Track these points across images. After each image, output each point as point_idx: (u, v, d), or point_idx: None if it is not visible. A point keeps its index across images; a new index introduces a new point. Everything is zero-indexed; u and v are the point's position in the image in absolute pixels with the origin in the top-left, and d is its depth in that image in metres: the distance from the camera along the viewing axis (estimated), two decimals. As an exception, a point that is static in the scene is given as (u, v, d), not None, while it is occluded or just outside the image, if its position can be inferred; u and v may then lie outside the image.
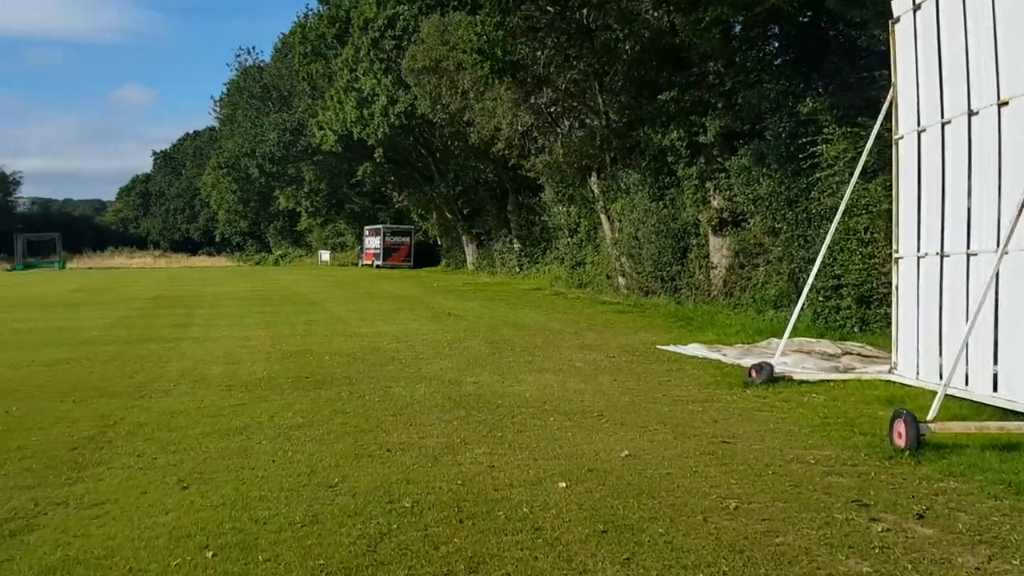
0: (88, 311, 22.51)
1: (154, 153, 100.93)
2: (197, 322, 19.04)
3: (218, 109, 60.92)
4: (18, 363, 12.55)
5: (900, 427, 6.83)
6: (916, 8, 9.53)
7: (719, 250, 20.72)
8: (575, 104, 27.08)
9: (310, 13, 45.87)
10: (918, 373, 9.58)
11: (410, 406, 9.01)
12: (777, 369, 10.51)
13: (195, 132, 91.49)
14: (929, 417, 7.05)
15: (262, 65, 53.59)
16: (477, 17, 23.52)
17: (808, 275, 16.46)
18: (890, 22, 10.15)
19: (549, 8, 23.36)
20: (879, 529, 5.07)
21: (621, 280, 24.60)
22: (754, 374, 10.32)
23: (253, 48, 65.12)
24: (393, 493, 5.81)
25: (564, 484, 6.02)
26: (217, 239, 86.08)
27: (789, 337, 11.53)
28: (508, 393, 9.73)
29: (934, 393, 7.62)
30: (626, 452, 6.98)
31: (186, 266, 65.77)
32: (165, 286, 35.53)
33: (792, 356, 12.06)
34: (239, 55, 57.62)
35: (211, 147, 66.78)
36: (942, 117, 9.08)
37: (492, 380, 10.63)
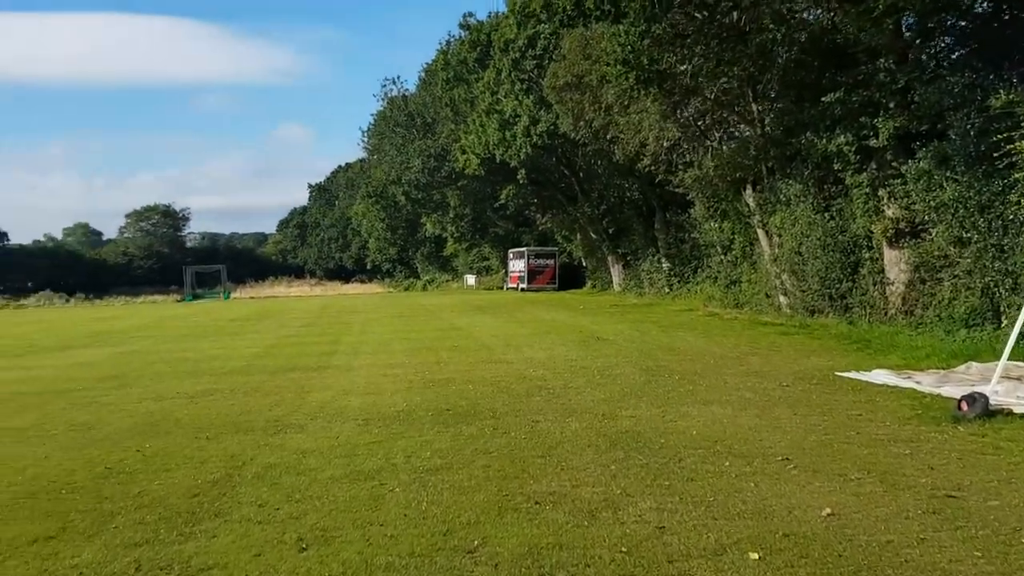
0: (241, 340, 22.81)
1: (310, 186, 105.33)
2: (343, 349, 18.77)
3: (366, 140, 62.64)
4: (163, 394, 12.40)
5: None
6: None
7: (896, 264, 18.70)
8: (726, 114, 25.54)
9: (452, 40, 46.28)
10: None
11: (560, 445, 7.98)
12: (993, 400, 8.84)
13: (347, 164, 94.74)
14: None
15: (407, 94, 54.58)
16: (621, 27, 22.50)
17: (1003, 288, 14.34)
18: None
19: (697, 14, 22.04)
20: None
21: (783, 299, 22.78)
22: (965, 407, 8.70)
23: (398, 78, 66.88)
24: (543, 562, 4.79)
25: (757, 555, 4.83)
26: (368, 266, 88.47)
27: (1003, 360, 9.75)
28: (671, 430, 8.54)
29: None
30: (828, 510, 5.69)
31: (339, 293, 67.61)
32: (317, 313, 36.16)
33: (1003, 384, 10.25)
34: (385, 85, 59.22)
35: (361, 177, 68.69)
36: None
37: (651, 414, 9.45)
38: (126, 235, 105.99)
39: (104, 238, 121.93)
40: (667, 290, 34.48)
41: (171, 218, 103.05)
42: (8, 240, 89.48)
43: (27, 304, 69.49)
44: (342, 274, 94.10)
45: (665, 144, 26.91)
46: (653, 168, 29.00)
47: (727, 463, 7.12)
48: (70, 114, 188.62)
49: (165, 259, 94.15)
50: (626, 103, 25.68)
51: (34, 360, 19.08)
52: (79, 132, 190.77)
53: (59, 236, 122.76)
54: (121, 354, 19.87)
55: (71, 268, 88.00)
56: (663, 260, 36.01)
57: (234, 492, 6.61)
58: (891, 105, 18.30)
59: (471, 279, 63.54)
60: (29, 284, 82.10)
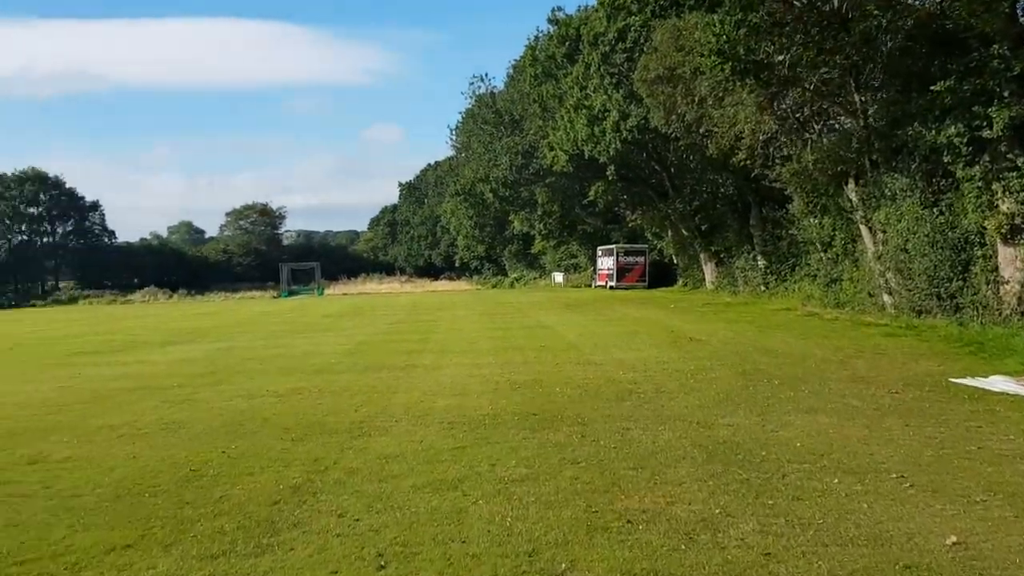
0: (332, 336, 23.01)
1: (400, 185, 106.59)
2: (430, 348, 18.67)
3: (454, 138, 62.88)
4: (254, 392, 12.45)
5: None
6: None
7: (1012, 262, 17.52)
8: (826, 105, 24.44)
9: (540, 35, 45.93)
10: None
11: (653, 456, 7.56)
12: None
13: (436, 163, 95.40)
14: None
15: (494, 91, 54.47)
16: (715, 16, 21.77)
17: None
18: None
19: (796, 1, 21.12)
20: None
21: (887, 298, 21.67)
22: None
23: (486, 75, 66.60)
24: (637, 591, 4.40)
25: (876, 592, 4.33)
26: (457, 264, 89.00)
27: None
28: (772, 441, 8.01)
29: None
30: (952, 538, 5.13)
31: (428, 290, 68.16)
32: (406, 310, 36.40)
33: None
34: (472, 83, 59.12)
35: (449, 175, 68.99)
36: None
37: (750, 423, 8.92)
38: (226, 233, 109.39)
39: (206, 236, 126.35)
40: (763, 288, 33.38)
41: (268, 216, 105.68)
42: (116, 238, 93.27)
43: (133, 300, 72.45)
44: (431, 271, 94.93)
45: (761, 137, 25.94)
46: (748, 162, 28.02)
47: (836, 480, 6.58)
48: (174, 116, 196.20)
49: (263, 256, 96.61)
50: (720, 95, 24.86)
51: (134, 355, 19.61)
52: (182, 134, 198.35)
53: (164, 234, 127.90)
54: (218, 350, 20.26)
55: (175, 265, 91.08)
56: (759, 257, 34.88)
57: (315, 499, 6.43)
58: (1006, 94, 17.17)
59: (559, 277, 63.15)
60: (135, 280, 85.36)
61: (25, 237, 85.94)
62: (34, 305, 71.53)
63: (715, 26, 21.47)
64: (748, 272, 35.40)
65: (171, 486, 6.98)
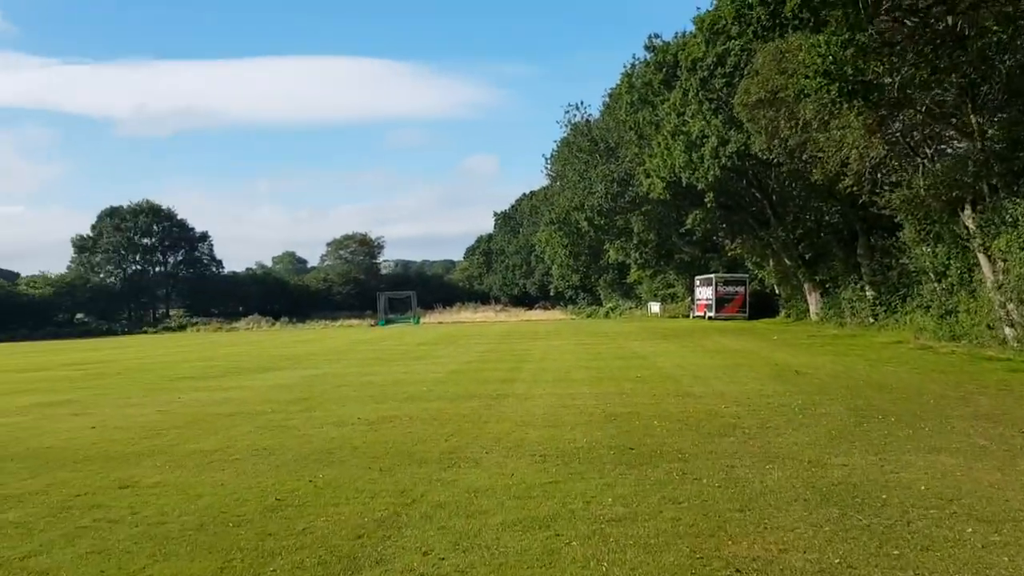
0: (426, 364, 22.95)
1: (495, 214, 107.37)
2: (523, 377, 18.34)
3: (549, 166, 62.81)
4: (345, 420, 12.35)
5: None
6: None
7: None
8: (939, 127, 23.25)
9: (637, 62, 45.56)
10: None
11: (761, 497, 6.99)
12: None
13: (530, 192, 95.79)
14: None
15: (590, 119, 54.25)
16: (821, 37, 20.99)
17: None
18: None
19: (908, 20, 20.18)
20: None
21: (1008, 331, 20.27)
22: None
23: (581, 103, 66.32)
24: (749, 654, 3.91)
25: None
26: (551, 293, 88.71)
27: None
28: (893, 483, 7.33)
29: None
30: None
31: (523, 319, 68.05)
32: (500, 339, 36.24)
33: None
34: (568, 111, 58.98)
35: (544, 204, 68.99)
36: None
37: (867, 463, 8.23)
38: (326, 263, 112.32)
39: (308, 265, 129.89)
40: (871, 320, 31.87)
41: (367, 246, 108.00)
42: (223, 268, 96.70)
43: (238, 327, 74.83)
44: (525, 300, 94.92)
45: (870, 162, 24.85)
46: (855, 188, 26.89)
47: (968, 529, 5.91)
48: (279, 151, 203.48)
49: (361, 285, 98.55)
50: (826, 118, 23.92)
51: (233, 381, 19.93)
52: (287, 167, 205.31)
53: (269, 264, 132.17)
54: (313, 377, 20.42)
55: (277, 294, 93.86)
56: (867, 288, 33.37)
57: (399, 534, 6.13)
58: None
59: (655, 307, 62.09)
60: (240, 308, 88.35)
61: (139, 267, 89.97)
62: (145, 332, 74.61)
63: (820, 47, 20.70)
64: (855, 303, 33.88)
65: (255, 515, 6.80)
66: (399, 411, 13.09)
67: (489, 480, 7.89)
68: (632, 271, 61.56)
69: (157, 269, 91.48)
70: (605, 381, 16.68)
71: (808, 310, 40.27)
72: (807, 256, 39.99)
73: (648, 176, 39.82)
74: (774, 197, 38.84)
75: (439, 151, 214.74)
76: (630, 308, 67.99)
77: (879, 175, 25.64)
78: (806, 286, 40.28)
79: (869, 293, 32.98)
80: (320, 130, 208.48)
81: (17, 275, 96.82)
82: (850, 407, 12.14)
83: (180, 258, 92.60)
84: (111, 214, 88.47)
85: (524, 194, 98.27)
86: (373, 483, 7.91)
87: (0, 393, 18.80)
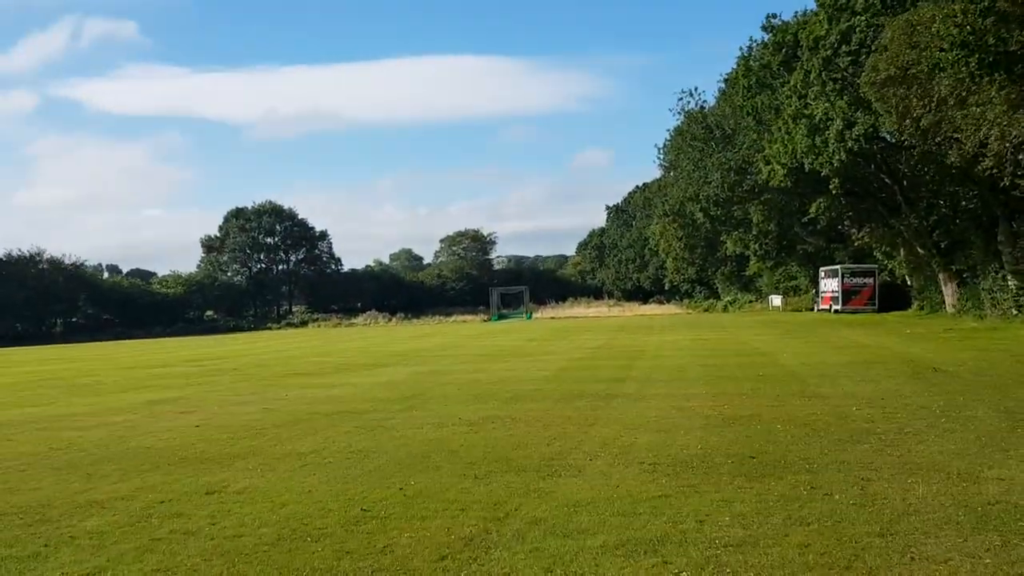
0: (533, 361, 22.39)
1: (608, 207, 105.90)
2: (634, 375, 17.51)
3: (662, 156, 61.16)
4: (445, 420, 11.87)
5: None
6: None
7: None
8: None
9: (754, 45, 43.57)
10: None
11: (904, 518, 6.04)
12: None
13: (643, 184, 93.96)
14: None
15: (704, 106, 52.39)
16: (956, 6, 19.27)
17: None
18: None
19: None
20: None
21: None
22: None
23: (695, 89, 63.81)
24: None
25: None
26: (666, 287, 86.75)
27: None
28: (1067, 505, 6.22)
29: None
30: None
31: (637, 314, 66.69)
32: (612, 335, 35.35)
33: None
34: (681, 98, 56.92)
35: (657, 196, 67.26)
36: None
37: (1031, 479, 7.10)
38: (440, 259, 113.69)
39: (424, 262, 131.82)
40: (1014, 312, 29.40)
41: (479, 242, 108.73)
42: (342, 265, 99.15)
43: (356, 323, 76.49)
44: (639, 295, 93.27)
45: (1012, 141, 22.73)
46: (996, 171, 24.72)
47: None
48: (397, 150, 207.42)
49: (474, 281, 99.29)
50: (963, 94, 22.03)
51: (342, 378, 19.87)
52: (404, 166, 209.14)
53: (386, 261, 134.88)
54: (420, 374, 20.17)
55: (394, 290, 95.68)
56: (1009, 277, 30.81)
57: (486, 556, 5.51)
58: None
59: (776, 300, 59.69)
60: (359, 304, 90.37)
61: (263, 265, 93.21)
62: (269, 328, 77.14)
63: (956, 16, 19.01)
64: (997, 294, 31.35)
65: (337, 529, 6.32)
66: (502, 411, 12.53)
67: (591, 491, 7.19)
68: (751, 263, 59.33)
69: (280, 267, 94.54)
70: (723, 380, 15.68)
71: (943, 302, 37.64)
72: (942, 244, 37.37)
73: (768, 163, 38.01)
74: (905, 182, 36.42)
75: (551, 146, 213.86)
76: (749, 302, 65.68)
77: (1022, 156, 23.45)
78: (941, 276, 37.66)
79: (1012, 283, 30.44)
80: (437, 129, 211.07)
81: (153, 275, 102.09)
82: (1000, 409, 10.83)
83: (301, 256, 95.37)
84: (236, 215, 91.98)
85: (637, 186, 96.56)
86: (466, 493, 7.33)
87: (119, 390, 19.29)
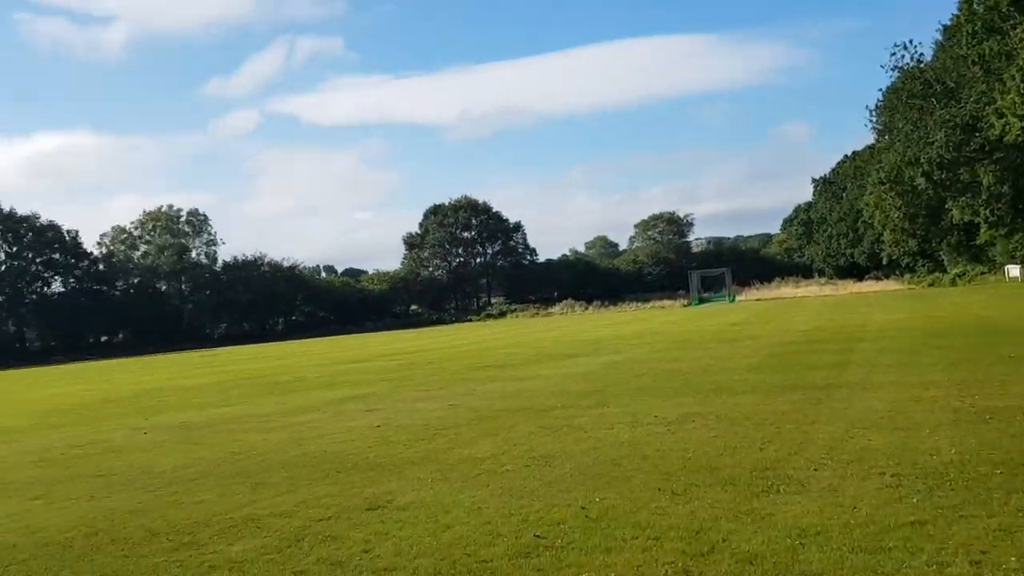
0: (738, 348, 20.57)
1: (813, 180, 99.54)
2: (856, 360, 15.46)
3: (874, 119, 56.07)
4: (639, 418, 10.61)
5: None
6: None
7: None
8: None
9: (979, -15, 38.73)
10: None
11: None
12: None
13: (853, 153, 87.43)
14: None
15: (921, 60, 47.37)
16: None
17: None
18: None
19: None
20: None
21: None
22: None
23: (910, 42, 57.23)
24: None
25: None
26: (884, 261, 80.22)
27: None
28: None
29: None
30: None
31: (852, 292, 61.89)
32: (825, 316, 32.50)
33: None
34: (894, 53, 51.54)
35: (870, 164, 61.99)
36: None
37: None
38: (636, 244, 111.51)
39: (619, 248, 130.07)
40: None
41: (675, 225, 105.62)
42: (537, 256, 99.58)
43: (552, 312, 76.38)
44: (854, 271, 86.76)
45: None
46: None
47: None
48: (588, 139, 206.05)
49: (671, 265, 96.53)
50: None
51: (531, 370, 19.05)
52: (596, 154, 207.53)
53: (581, 249, 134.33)
54: (613, 364, 19.02)
55: (589, 278, 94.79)
56: None
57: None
58: None
59: (1014, 270, 53.34)
60: (555, 294, 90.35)
61: (461, 259, 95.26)
62: (469, 320, 78.62)
63: None
64: None
65: (503, 562, 5.26)
66: (704, 407, 11.10)
67: (820, 515, 5.71)
68: (982, 231, 53.29)
69: (477, 260, 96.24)
70: (964, 364, 13.41)
71: None
72: None
73: (1001, 116, 33.59)
74: None
75: (747, 123, 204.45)
76: (981, 274, 59.24)
77: None
78: None
79: None
80: (627, 114, 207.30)
81: (363, 273, 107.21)
82: None
83: (497, 248, 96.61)
84: (434, 211, 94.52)
85: (845, 156, 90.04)
86: (660, 515, 6.06)
87: (315, 387, 19.47)
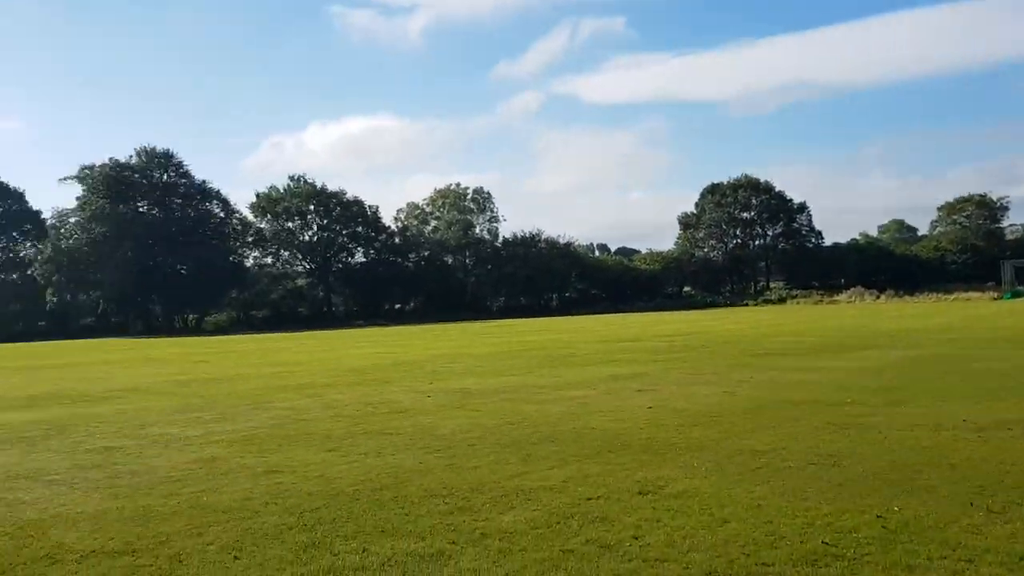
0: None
1: None
2: None
3: None
4: (944, 421, 9.45)
5: None
6: None
7: None
8: None
9: None
10: None
11: None
12: None
13: None
14: None
15: None
16: None
17: None
18: None
19: None
20: None
21: None
22: None
23: None
24: None
25: None
26: None
27: None
28: None
29: None
30: None
31: None
32: None
33: None
34: None
35: None
36: None
37: None
38: (938, 229, 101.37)
39: (918, 234, 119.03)
40: None
41: (986, 209, 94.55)
42: (823, 239, 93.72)
43: (838, 300, 71.77)
44: None
45: None
46: None
47: None
48: (884, 115, 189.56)
49: (981, 253, 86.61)
50: None
51: (817, 360, 17.83)
52: (893, 131, 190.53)
53: (873, 233, 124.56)
54: (911, 359, 17.33)
55: (882, 264, 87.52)
56: None
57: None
58: None
59: None
60: (841, 280, 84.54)
61: (739, 240, 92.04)
62: (746, 304, 75.87)
63: None
64: None
65: (785, 567, 4.75)
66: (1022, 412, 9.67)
67: None
68: None
69: (757, 242, 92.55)
70: None
71: None
72: None
73: None
74: None
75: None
76: None
77: None
78: None
79: None
80: (933, 86, 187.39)
81: (636, 252, 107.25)
82: None
83: (779, 230, 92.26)
84: (712, 191, 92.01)
85: None
86: (974, 533, 5.25)
87: (588, 362, 19.56)
